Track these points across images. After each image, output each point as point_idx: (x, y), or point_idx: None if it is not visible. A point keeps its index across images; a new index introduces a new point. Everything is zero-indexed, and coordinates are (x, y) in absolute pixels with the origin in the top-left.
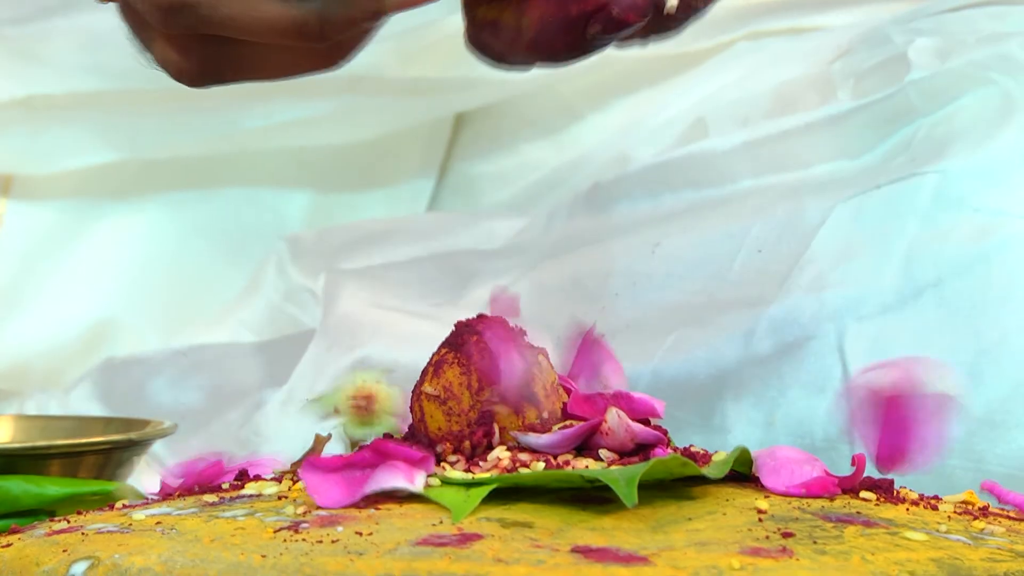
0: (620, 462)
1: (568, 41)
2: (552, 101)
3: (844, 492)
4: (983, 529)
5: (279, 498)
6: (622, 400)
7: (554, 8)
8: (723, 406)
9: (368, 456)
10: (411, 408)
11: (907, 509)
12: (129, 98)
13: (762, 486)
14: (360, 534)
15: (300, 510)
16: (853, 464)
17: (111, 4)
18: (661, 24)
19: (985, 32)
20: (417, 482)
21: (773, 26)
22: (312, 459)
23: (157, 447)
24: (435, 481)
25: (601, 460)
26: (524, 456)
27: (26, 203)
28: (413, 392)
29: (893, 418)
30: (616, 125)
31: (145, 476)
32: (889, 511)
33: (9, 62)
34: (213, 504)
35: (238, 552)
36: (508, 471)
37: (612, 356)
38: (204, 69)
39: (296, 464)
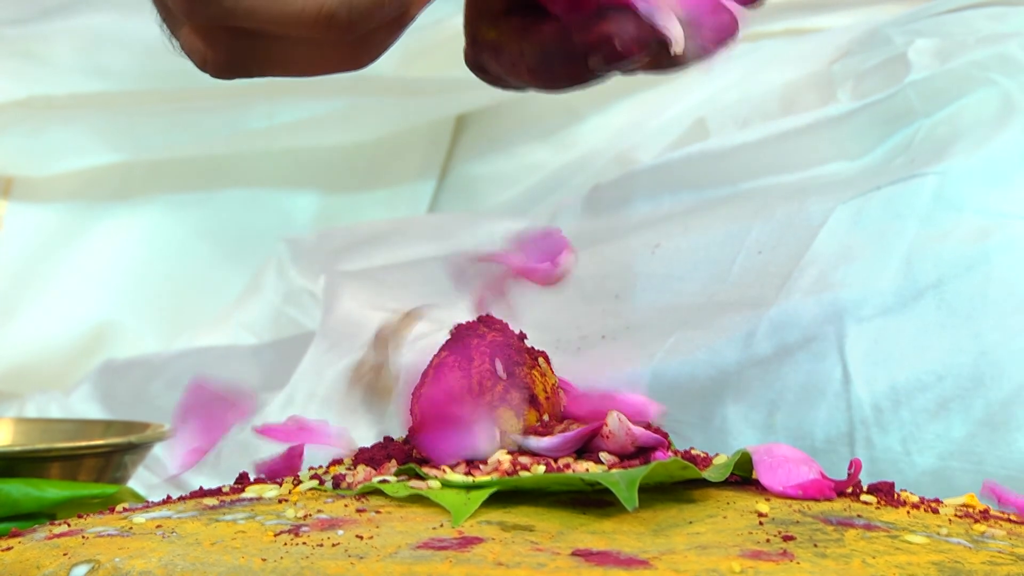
0: (621, 465)
1: (568, 71)
2: (553, 103)
3: (843, 495)
4: (984, 532)
5: (279, 501)
6: (616, 403)
7: (557, 36)
8: (723, 408)
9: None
10: (412, 411)
11: (908, 512)
12: (129, 99)
13: (763, 489)
14: (360, 537)
15: (301, 513)
16: (849, 469)
17: None
18: (666, 62)
19: (985, 33)
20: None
21: (772, 28)
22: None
23: (158, 450)
24: (435, 484)
25: (602, 463)
26: (525, 459)
27: (26, 205)
28: (414, 394)
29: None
30: (616, 127)
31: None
32: (890, 514)
33: (9, 63)
34: (213, 507)
35: (238, 556)
36: (509, 474)
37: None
38: (229, 61)
39: (382, 339)
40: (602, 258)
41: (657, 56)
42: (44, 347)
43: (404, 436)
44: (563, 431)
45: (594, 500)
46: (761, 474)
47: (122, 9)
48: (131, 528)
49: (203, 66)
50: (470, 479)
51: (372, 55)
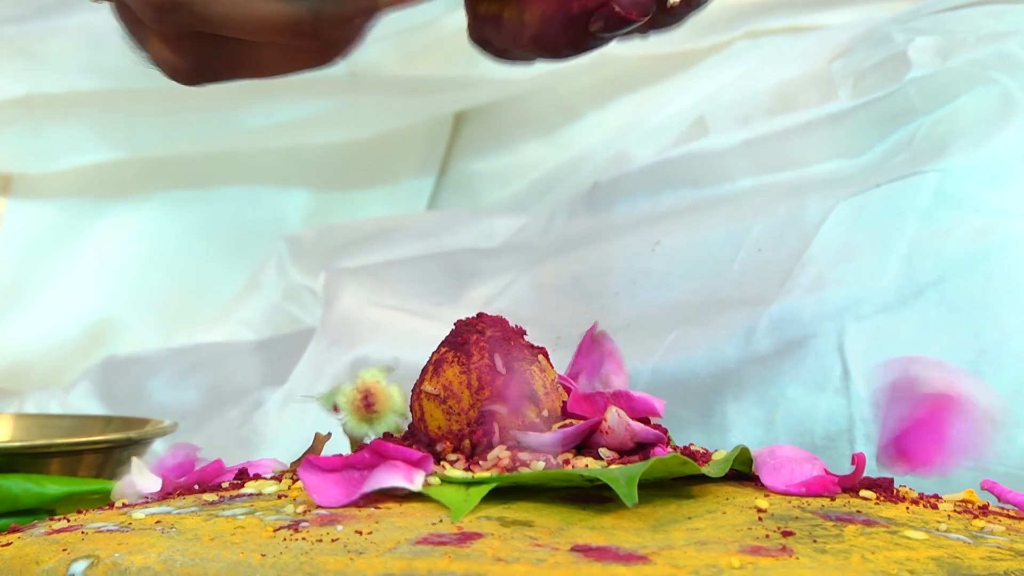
0: (620, 461)
1: (570, 37)
2: (552, 100)
3: (844, 491)
4: (983, 528)
5: (279, 497)
6: (622, 399)
7: (556, 4)
8: (723, 405)
9: (367, 456)
10: (411, 407)
11: (907, 508)
12: (129, 97)
13: (762, 485)
14: (360, 533)
15: (300, 509)
16: (853, 463)
17: (106, 3)
18: (662, 19)
19: (985, 31)
20: (416, 481)
21: (773, 25)
22: (311, 459)
23: (157, 446)
24: (435, 480)
25: (601, 459)
26: (524, 455)
27: (26, 202)
28: (413, 391)
29: (928, 419)
30: (616, 124)
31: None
32: (889, 510)
33: (9, 61)
34: (213, 503)
35: (238, 551)
36: (508, 470)
37: (614, 354)
38: (198, 67)
39: (296, 463)
40: (602, 255)
41: (652, 15)
42: (44, 344)
43: (404, 433)
44: (562, 427)
45: (593, 496)
46: (764, 476)
47: None
48: (130, 524)
49: (173, 74)
50: (469, 475)
51: (339, 54)
